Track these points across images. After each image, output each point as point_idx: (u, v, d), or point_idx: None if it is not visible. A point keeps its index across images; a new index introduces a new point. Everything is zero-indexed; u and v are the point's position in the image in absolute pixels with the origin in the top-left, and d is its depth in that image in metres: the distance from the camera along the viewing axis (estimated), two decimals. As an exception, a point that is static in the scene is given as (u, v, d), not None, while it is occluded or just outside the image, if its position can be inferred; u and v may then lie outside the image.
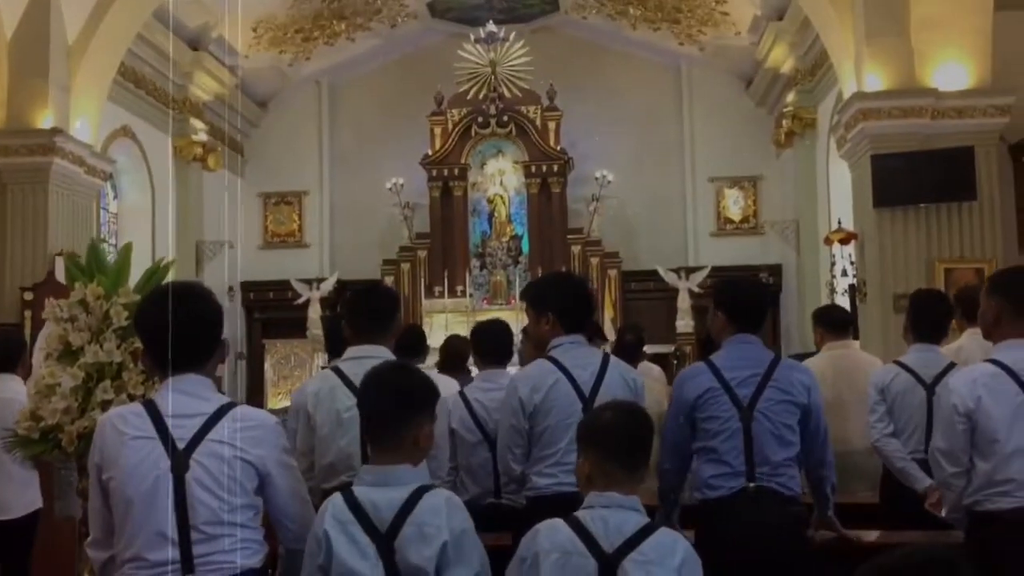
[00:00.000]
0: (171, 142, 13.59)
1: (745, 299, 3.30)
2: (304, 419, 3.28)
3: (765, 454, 3.07)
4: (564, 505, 3.03)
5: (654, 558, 2.14)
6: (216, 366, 2.44)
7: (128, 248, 3.02)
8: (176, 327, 2.20)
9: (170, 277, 3.20)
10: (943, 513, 3.09)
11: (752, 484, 3.05)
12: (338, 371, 3.30)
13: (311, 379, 3.63)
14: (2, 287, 9.68)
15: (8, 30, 9.65)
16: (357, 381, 3.18)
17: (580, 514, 2.23)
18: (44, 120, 9.82)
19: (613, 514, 2.21)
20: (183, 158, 13.76)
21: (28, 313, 9.37)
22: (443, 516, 2.16)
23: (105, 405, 2.63)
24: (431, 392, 2.38)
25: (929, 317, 4.08)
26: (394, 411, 2.30)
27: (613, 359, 3.41)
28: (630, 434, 2.31)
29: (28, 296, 9.47)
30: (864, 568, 1.28)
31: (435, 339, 12.86)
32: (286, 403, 9.47)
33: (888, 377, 3.92)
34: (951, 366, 3.95)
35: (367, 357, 3.24)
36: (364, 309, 3.46)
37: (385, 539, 2.11)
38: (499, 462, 3.48)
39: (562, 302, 3.35)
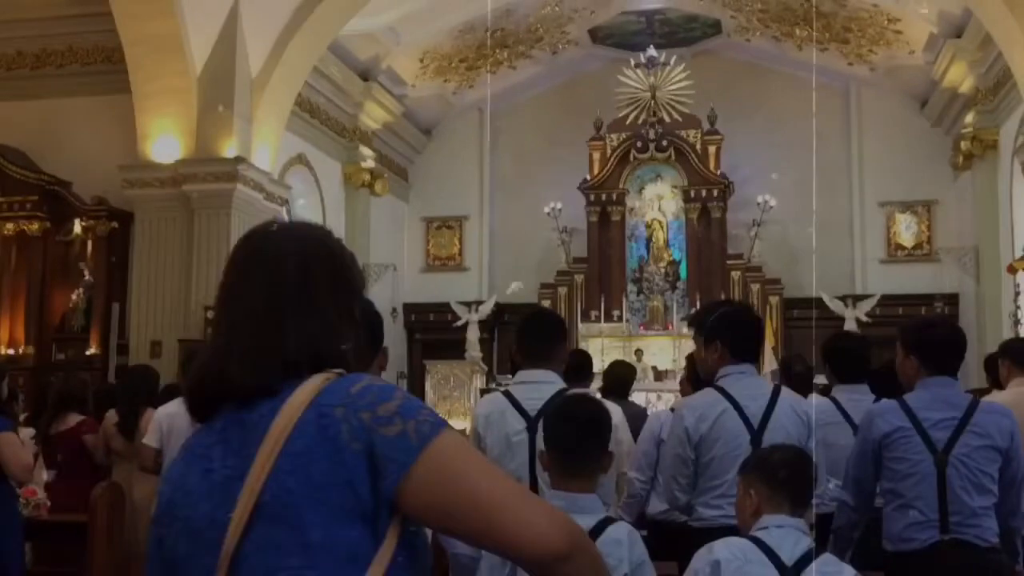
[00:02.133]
0: (341, 169, 14.22)
1: (941, 341, 3.14)
2: (475, 441, 3.35)
3: (962, 502, 2.92)
4: (730, 536, 2.98)
5: (829, 572, 2.16)
6: (377, 371, 2.48)
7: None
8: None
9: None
10: None
11: (947, 536, 2.91)
12: (509, 395, 3.35)
13: (482, 401, 3.70)
14: (188, 306, 10.32)
15: (198, 65, 10.36)
16: (527, 405, 3.24)
17: (756, 532, 2.27)
18: (228, 149, 10.45)
19: (788, 533, 2.26)
20: (352, 184, 14.34)
21: (211, 331, 9.94)
22: (625, 548, 2.19)
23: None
24: (610, 422, 2.44)
25: None
26: (586, 442, 2.36)
27: (784, 391, 3.32)
28: (798, 474, 2.37)
29: (211, 315, 10.03)
30: None
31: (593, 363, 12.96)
32: (446, 423, 9.66)
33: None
34: None
35: (538, 382, 3.28)
36: (534, 333, 3.50)
37: None
38: (664, 491, 3.45)
39: (732, 330, 3.28)
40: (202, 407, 1.32)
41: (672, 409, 4.24)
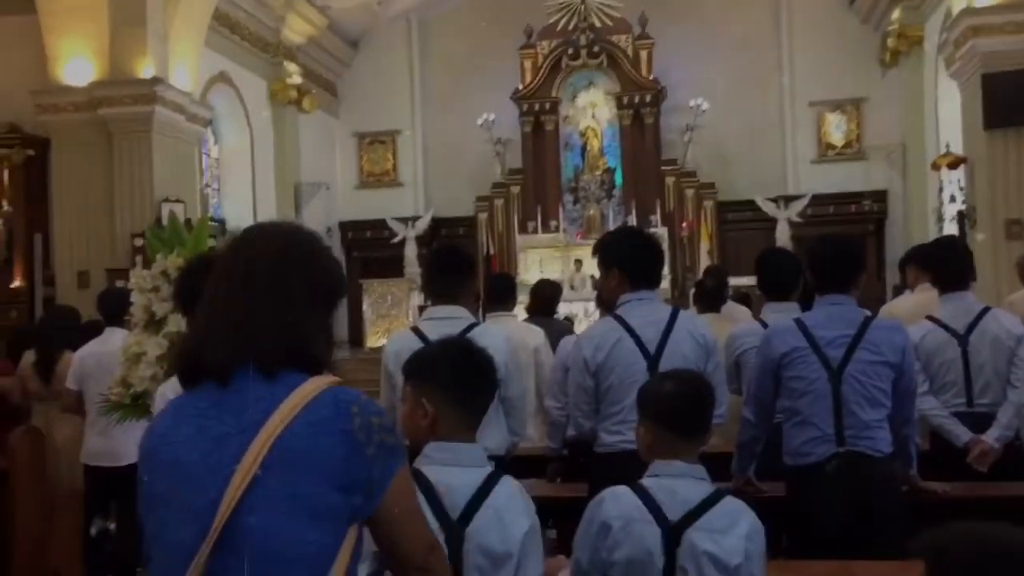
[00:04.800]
0: (267, 86, 13.84)
1: (833, 257, 3.19)
2: (386, 377, 3.36)
3: (856, 416, 3.01)
4: (631, 461, 3.05)
5: (719, 527, 2.14)
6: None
7: (204, 220, 3.11)
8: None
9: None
10: None
11: (842, 448, 3.00)
12: (418, 331, 3.36)
13: (392, 338, 3.71)
14: (113, 233, 10.08)
15: (107, -19, 9.89)
16: (436, 340, 3.24)
17: (646, 482, 2.23)
18: (144, 69, 10.07)
19: (679, 483, 2.21)
20: (279, 101, 13.99)
21: (139, 259, 9.73)
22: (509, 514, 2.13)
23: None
24: (493, 366, 2.37)
25: (952, 264, 3.89)
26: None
27: (683, 314, 3.35)
28: (690, 406, 2.29)
29: (138, 242, 9.84)
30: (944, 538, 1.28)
31: (531, 274, 13.01)
32: (383, 342, 9.69)
33: (919, 335, 3.73)
34: (984, 312, 3.78)
35: (447, 318, 3.29)
36: (442, 270, 3.51)
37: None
38: (570, 419, 3.51)
39: (629, 257, 3.30)
40: (189, 379, 1.51)
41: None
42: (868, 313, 3.21)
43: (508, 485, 2.09)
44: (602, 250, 3.37)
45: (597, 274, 12.91)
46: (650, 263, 3.32)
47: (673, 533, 2.14)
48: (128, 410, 2.89)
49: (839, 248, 3.27)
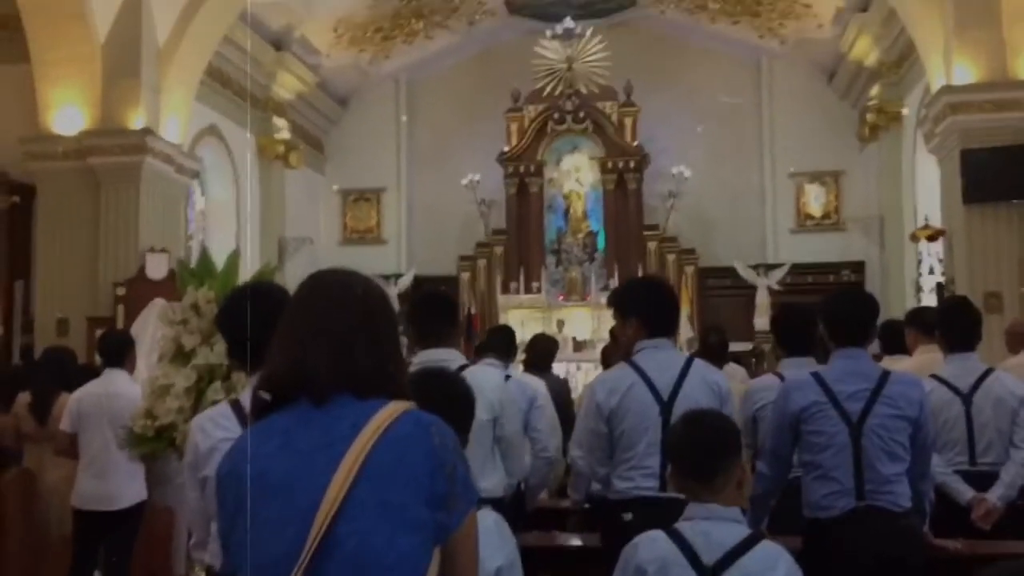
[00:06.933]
0: (255, 141, 13.91)
1: (849, 313, 3.24)
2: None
3: (876, 470, 3.03)
4: (643, 508, 3.03)
5: (757, 571, 2.13)
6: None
7: (236, 255, 3.12)
8: (259, 325, 2.16)
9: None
10: None
11: (863, 503, 3.01)
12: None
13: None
14: (96, 282, 10.00)
15: (102, 33, 9.97)
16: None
17: (681, 526, 2.22)
18: (136, 120, 10.11)
19: (715, 526, 2.19)
20: (266, 156, 14.05)
21: (121, 307, 9.67)
22: (495, 536, 2.12)
23: (215, 405, 2.73)
24: (472, 399, 2.42)
25: (960, 325, 3.97)
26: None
27: (697, 362, 3.38)
28: (697, 448, 2.28)
29: (120, 291, 9.78)
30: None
31: (511, 335, 13.01)
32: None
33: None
34: (987, 373, 3.85)
35: (442, 360, 3.30)
36: (428, 316, 3.53)
37: None
38: (584, 464, 3.50)
39: (647, 306, 3.34)
40: (274, 402, 1.57)
41: None
42: (884, 367, 3.25)
43: (485, 519, 2.09)
44: (620, 300, 3.41)
45: (578, 335, 12.92)
46: (667, 312, 3.36)
47: None
48: (151, 443, 2.85)
49: (856, 302, 3.33)
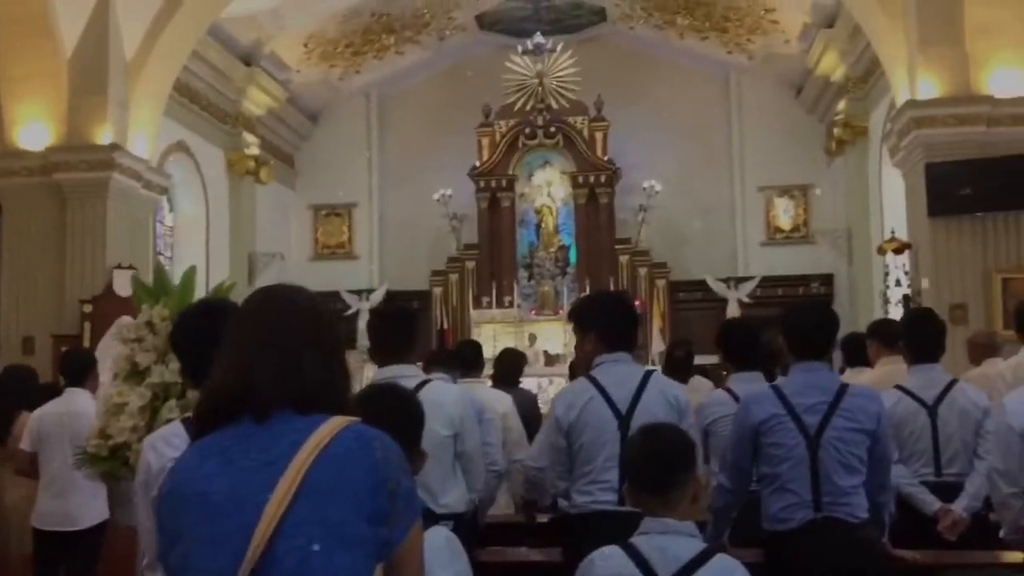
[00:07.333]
0: (224, 156, 13.84)
1: (810, 325, 3.26)
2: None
3: (833, 482, 3.05)
4: (601, 522, 3.03)
5: None
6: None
7: (192, 271, 3.10)
8: (213, 343, 2.16)
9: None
10: (1002, 534, 3.04)
11: (820, 514, 3.03)
12: None
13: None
14: (63, 299, 9.89)
15: (68, 48, 9.90)
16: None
17: (636, 540, 2.21)
18: (103, 136, 10.03)
19: (670, 541, 2.19)
20: (236, 172, 13.98)
21: (88, 325, 9.57)
22: (446, 553, 2.11)
23: (168, 424, 2.70)
24: (421, 415, 2.38)
25: (924, 336, 4.01)
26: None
27: (656, 376, 3.39)
28: (653, 461, 2.28)
29: (87, 308, 9.67)
30: None
31: (484, 349, 12.98)
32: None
33: (889, 403, 3.82)
34: (952, 384, 3.89)
35: (403, 376, 3.29)
36: (389, 331, 3.51)
37: None
38: (536, 476, 3.50)
39: (605, 320, 3.35)
40: (214, 419, 1.55)
41: None
42: (843, 380, 3.27)
43: (436, 536, 2.09)
44: (578, 315, 3.42)
45: (550, 349, 12.90)
46: (625, 326, 3.37)
47: None
48: (105, 462, 2.82)
49: (816, 315, 3.35)
